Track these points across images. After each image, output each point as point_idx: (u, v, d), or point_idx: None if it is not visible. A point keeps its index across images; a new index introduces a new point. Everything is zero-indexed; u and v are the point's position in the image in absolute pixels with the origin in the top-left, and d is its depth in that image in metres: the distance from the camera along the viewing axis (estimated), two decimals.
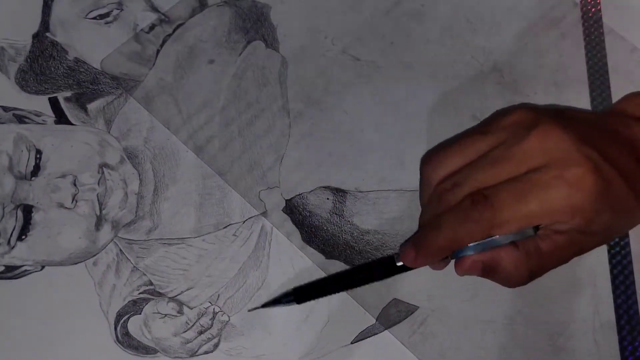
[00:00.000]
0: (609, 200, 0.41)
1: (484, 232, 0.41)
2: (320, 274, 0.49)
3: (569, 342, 0.47)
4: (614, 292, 0.48)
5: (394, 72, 0.53)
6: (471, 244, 0.41)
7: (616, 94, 0.53)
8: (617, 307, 0.47)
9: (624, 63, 0.54)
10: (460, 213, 0.41)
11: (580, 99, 0.53)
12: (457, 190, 0.42)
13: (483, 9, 0.56)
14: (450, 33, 0.54)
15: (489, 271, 0.43)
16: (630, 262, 0.48)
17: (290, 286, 0.46)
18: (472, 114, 0.53)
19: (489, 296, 0.48)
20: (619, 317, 0.47)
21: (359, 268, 0.46)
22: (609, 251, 0.49)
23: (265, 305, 0.47)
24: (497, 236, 0.40)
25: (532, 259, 0.42)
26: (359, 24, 0.55)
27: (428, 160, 0.45)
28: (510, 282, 0.43)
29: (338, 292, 0.46)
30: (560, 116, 0.43)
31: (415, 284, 0.48)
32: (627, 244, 0.49)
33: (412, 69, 0.54)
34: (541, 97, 0.53)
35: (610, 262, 0.48)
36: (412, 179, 0.51)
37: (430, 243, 0.42)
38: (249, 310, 0.48)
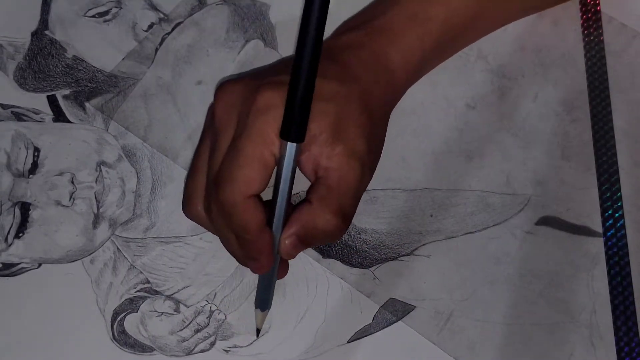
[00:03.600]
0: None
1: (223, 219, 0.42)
2: (317, 274, 0.48)
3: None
4: (611, 292, 0.48)
5: None
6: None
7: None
8: (614, 308, 0.47)
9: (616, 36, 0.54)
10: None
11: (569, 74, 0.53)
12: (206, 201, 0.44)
13: None
14: None
15: (307, 236, 0.43)
16: (628, 264, 0.48)
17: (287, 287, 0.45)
18: (465, 103, 0.53)
19: (504, 285, 0.48)
20: (615, 318, 0.47)
21: None
22: (606, 252, 0.49)
23: None
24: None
25: (328, 200, 0.42)
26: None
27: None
28: (331, 233, 0.43)
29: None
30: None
31: (435, 280, 0.48)
32: (625, 245, 0.49)
33: None
34: (529, 79, 0.54)
35: (607, 263, 0.48)
36: (417, 175, 0.51)
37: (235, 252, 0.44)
38: None
